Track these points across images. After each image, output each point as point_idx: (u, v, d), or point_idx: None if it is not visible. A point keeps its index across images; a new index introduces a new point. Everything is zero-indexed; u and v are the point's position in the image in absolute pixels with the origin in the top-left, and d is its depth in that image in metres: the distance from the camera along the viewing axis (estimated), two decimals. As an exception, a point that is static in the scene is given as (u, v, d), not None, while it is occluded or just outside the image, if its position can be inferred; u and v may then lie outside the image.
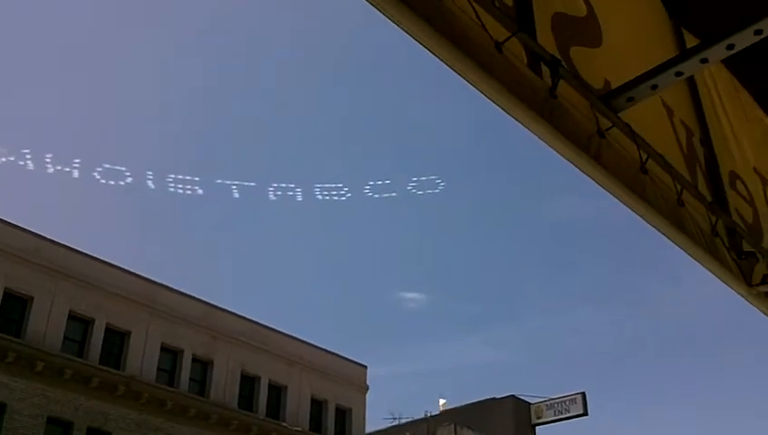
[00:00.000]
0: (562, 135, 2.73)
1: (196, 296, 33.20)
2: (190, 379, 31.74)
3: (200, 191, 47.27)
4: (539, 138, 2.71)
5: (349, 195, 53.05)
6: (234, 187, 51.84)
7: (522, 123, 2.64)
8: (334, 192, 51.95)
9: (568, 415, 50.53)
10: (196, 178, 52.90)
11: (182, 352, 31.78)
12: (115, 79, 75.42)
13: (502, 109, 2.58)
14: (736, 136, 4.27)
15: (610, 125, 3.00)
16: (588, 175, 2.88)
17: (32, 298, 27.79)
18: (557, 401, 51.14)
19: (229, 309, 34.29)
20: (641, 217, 3.10)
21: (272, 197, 50.81)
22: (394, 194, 57.57)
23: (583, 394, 50.64)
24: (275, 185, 53.66)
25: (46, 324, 27.68)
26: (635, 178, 3.08)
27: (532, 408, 51.30)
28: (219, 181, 54.44)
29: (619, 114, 3.05)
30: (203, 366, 32.47)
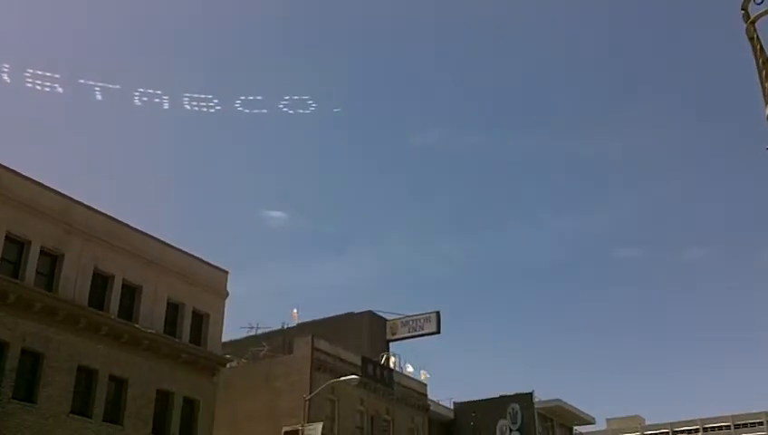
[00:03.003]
0: None
1: (50, 186, 30.75)
2: (37, 272, 29.58)
3: (60, 90, 44.13)
4: None
5: (218, 107, 50.97)
6: (97, 89, 48.40)
7: None
8: (203, 104, 49.71)
9: (422, 332, 51.80)
10: (57, 76, 48.91)
11: (29, 243, 29.49)
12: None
13: None
14: None
15: None
16: None
17: None
18: (412, 318, 52.27)
19: (86, 203, 32.08)
20: None
21: (137, 102, 47.94)
22: (265, 111, 55.92)
23: (438, 313, 51.96)
24: (141, 90, 50.56)
25: None
26: None
27: (388, 324, 52.17)
28: (82, 81, 50.64)
29: None
30: (52, 260, 30.33)
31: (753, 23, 8.08)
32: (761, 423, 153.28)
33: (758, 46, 7.99)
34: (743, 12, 8.12)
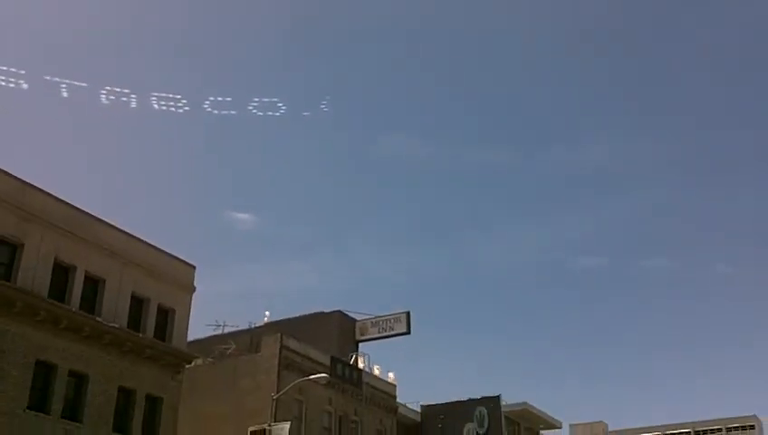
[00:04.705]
0: None
1: (6, 170, 29.30)
2: (-6, 261, 28.15)
3: (25, 86, 42.67)
4: None
5: (186, 108, 49.79)
6: (63, 85, 46.70)
7: None
8: (171, 103, 48.47)
9: (392, 333, 50.94)
10: (22, 72, 47.06)
11: (-14, 230, 28.05)
12: None
13: None
14: None
15: None
16: None
17: None
18: (382, 319, 51.39)
19: (46, 189, 30.70)
20: None
21: (104, 100, 46.46)
22: (233, 112, 54.71)
23: (408, 314, 51.21)
24: (108, 88, 48.79)
25: None
26: None
27: (358, 324, 51.23)
28: (48, 78, 48.70)
29: None
30: (11, 249, 28.90)
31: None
32: (719, 430, 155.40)
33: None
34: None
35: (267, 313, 49.87)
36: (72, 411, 29.63)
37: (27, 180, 30.05)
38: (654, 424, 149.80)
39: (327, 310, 50.88)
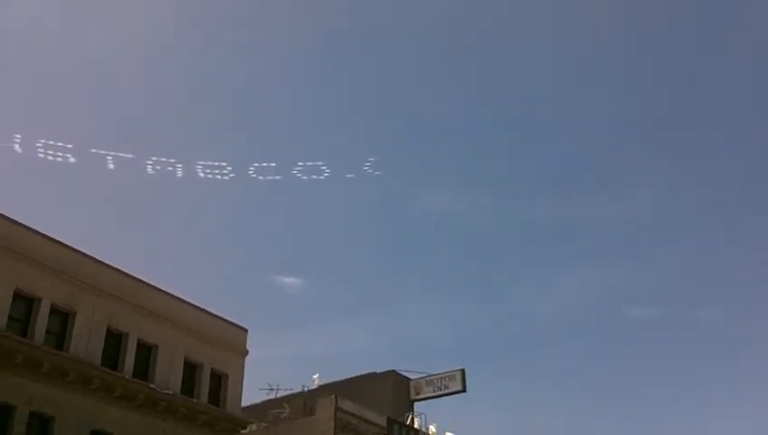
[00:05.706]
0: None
1: (59, 239, 29.31)
2: (47, 331, 27.90)
3: (72, 160, 43.32)
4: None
5: (232, 175, 50.26)
6: (109, 157, 47.22)
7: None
8: (217, 171, 49.02)
9: (447, 391, 49.54)
10: (69, 146, 47.70)
11: (39, 300, 27.92)
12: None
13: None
14: None
15: None
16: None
17: None
18: (436, 377, 50.08)
19: (97, 257, 30.59)
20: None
21: (150, 170, 47.01)
22: (278, 177, 54.96)
23: (463, 371, 49.81)
24: (154, 158, 49.15)
25: None
26: None
27: (412, 384, 49.95)
28: (94, 151, 49.31)
29: None
30: (64, 318, 28.68)
31: None
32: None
33: None
34: None
35: (316, 376, 48.95)
36: (128, 482, 28.92)
37: (78, 248, 30.03)
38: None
39: (379, 370, 49.78)
